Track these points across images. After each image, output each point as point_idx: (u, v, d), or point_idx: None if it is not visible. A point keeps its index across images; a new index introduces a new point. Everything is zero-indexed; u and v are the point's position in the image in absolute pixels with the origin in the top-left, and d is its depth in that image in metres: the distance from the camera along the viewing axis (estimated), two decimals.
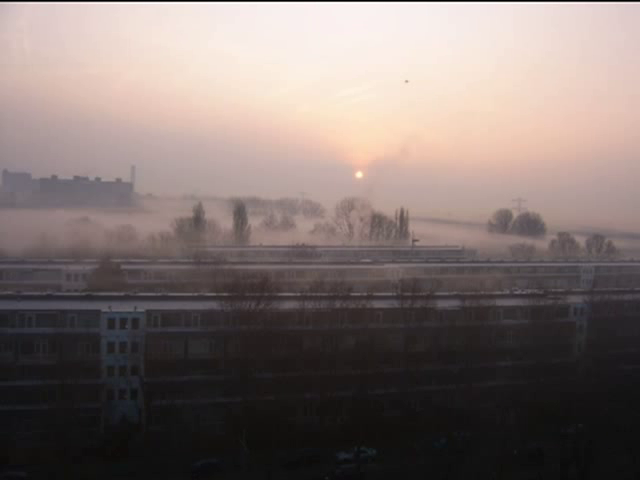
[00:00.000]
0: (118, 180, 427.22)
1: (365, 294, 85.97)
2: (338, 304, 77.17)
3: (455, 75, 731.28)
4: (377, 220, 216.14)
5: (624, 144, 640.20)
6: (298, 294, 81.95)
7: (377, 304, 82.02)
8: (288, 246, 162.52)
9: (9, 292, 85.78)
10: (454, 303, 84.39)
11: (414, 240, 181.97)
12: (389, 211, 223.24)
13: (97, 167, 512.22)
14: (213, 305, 74.54)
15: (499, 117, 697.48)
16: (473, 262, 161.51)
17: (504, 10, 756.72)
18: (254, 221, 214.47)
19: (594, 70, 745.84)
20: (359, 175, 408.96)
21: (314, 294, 79.16)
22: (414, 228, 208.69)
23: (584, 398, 69.67)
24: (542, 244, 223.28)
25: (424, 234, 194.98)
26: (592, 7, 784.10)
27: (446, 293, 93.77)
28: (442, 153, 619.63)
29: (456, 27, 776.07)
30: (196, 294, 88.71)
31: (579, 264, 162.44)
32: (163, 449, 64.77)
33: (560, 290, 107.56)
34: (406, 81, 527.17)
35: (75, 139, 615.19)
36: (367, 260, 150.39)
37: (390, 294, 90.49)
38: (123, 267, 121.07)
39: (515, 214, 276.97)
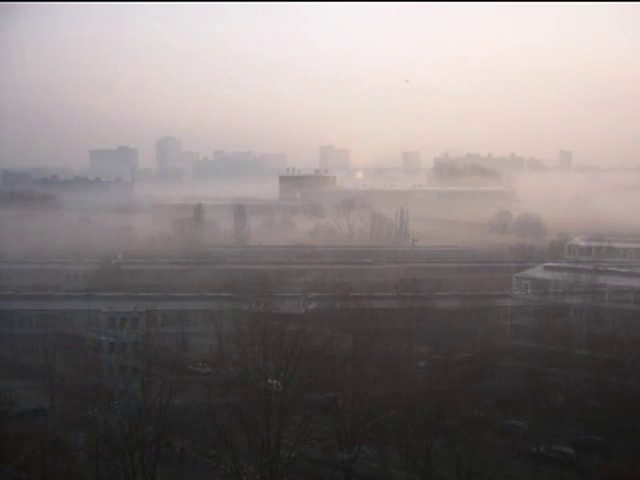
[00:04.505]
0: (118, 180, 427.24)
1: None
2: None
3: (455, 75, 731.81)
4: (377, 220, 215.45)
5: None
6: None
7: None
8: (291, 246, 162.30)
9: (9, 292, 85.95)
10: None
11: (414, 240, 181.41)
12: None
13: (97, 167, 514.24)
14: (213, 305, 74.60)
15: (499, 117, 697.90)
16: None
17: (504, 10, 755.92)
18: (254, 221, 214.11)
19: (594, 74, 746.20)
20: (359, 175, 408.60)
21: None
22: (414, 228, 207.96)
23: None
24: (542, 244, 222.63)
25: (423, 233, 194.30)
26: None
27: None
28: (441, 150, 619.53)
29: (457, 27, 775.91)
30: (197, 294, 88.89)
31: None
32: None
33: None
34: (406, 81, 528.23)
35: (75, 139, 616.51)
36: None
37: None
38: (123, 267, 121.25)
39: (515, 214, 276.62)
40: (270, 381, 52.78)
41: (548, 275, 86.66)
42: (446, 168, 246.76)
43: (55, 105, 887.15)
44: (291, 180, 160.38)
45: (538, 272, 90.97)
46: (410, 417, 51.22)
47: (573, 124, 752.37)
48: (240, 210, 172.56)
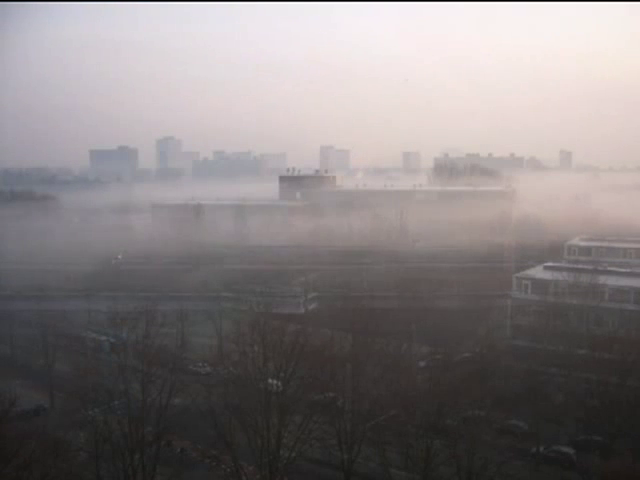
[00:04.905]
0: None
1: None
2: None
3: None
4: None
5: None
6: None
7: None
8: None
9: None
10: None
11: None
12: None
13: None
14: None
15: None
16: None
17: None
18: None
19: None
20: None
21: None
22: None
23: None
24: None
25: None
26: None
27: None
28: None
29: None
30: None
31: None
32: None
33: None
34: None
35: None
36: None
37: None
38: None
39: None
40: (270, 381, 52.77)
41: (548, 275, 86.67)
42: (446, 168, 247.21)
43: (55, 105, 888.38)
44: (291, 180, 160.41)
45: (538, 272, 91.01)
46: (410, 417, 51.18)
47: (573, 124, 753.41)
48: (240, 210, 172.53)
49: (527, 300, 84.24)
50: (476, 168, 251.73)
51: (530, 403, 65.08)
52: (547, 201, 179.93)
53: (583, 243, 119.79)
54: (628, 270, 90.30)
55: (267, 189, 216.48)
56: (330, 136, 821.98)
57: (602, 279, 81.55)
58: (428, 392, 51.89)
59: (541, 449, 62.52)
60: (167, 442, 59.61)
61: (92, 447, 49.99)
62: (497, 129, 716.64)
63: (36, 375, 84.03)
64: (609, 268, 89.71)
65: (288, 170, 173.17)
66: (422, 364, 78.98)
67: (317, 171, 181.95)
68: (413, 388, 55.08)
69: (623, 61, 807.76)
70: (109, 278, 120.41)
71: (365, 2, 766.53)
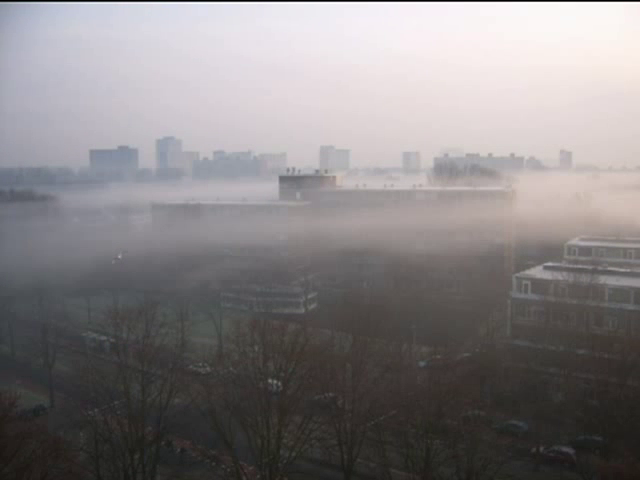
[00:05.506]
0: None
1: None
2: None
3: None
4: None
5: None
6: None
7: None
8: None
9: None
10: None
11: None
12: None
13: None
14: None
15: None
16: None
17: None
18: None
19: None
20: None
21: None
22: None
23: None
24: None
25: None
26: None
27: None
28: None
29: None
30: None
31: None
32: None
33: None
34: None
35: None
36: None
37: None
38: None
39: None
40: (270, 381, 52.77)
41: (548, 275, 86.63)
42: (446, 168, 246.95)
43: (55, 105, 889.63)
44: (291, 180, 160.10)
45: (538, 272, 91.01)
46: (410, 417, 51.19)
47: (573, 124, 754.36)
48: (240, 210, 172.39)
49: (527, 300, 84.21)
50: (476, 168, 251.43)
51: (530, 403, 65.15)
52: (547, 201, 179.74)
53: (583, 243, 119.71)
54: (628, 270, 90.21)
55: (267, 189, 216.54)
56: (330, 136, 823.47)
57: (602, 279, 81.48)
58: (428, 392, 51.90)
59: (541, 449, 62.56)
60: (167, 442, 59.62)
61: (92, 447, 49.98)
62: (497, 129, 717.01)
63: (36, 375, 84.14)
64: (609, 268, 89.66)
65: (288, 170, 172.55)
66: (422, 364, 79.09)
67: (317, 171, 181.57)
68: (413, 388, 55.10)
69: (623, 61, 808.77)
70: (109, 278, 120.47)
71: (365, 2, 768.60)
